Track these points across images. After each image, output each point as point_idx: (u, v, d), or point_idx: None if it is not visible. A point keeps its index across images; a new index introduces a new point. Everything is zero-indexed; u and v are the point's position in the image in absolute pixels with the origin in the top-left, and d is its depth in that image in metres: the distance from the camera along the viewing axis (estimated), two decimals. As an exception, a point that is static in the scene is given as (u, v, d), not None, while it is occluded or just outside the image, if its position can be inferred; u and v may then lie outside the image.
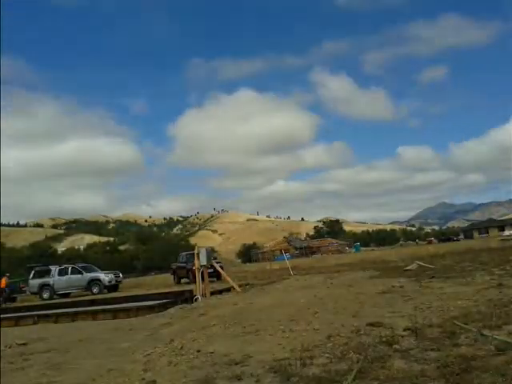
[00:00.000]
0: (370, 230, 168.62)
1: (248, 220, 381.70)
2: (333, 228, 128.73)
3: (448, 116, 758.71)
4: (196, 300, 11.96)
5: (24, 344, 7.82)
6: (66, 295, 23.42)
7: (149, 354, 5.55)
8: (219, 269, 14.21)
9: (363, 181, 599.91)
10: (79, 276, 23.10)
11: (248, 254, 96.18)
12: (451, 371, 3.52)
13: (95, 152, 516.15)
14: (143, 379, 4.44)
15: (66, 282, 23.21)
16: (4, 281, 25.00)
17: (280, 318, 6.96)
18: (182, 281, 23.29)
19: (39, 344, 7.79)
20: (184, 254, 24.93)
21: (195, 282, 12.90)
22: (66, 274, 23.55)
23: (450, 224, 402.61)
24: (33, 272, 25.16)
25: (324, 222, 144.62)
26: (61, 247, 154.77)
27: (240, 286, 14.01)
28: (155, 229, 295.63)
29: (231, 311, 8.61)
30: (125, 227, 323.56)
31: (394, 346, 4.46)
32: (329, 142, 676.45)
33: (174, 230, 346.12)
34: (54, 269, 24.26)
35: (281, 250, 70.67)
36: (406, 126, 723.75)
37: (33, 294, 24.61)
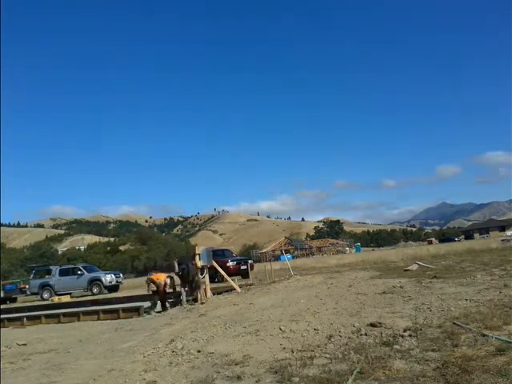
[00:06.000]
0: (371, 230, 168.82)
1: (248, 220, 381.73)
2: (333, 228, 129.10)
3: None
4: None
5: (24, 344, 7.84)
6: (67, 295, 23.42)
7: (149, 355, 5.56)
8: (220, 269, 14.17)
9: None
10: (80, 276, 23.10)
11: (248, 254, 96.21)
12: (451, 371, 3.52)
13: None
14: (144, 379, 4.45)
15: (66, 283, 23.22)
16: None
17: (280, 318, 6.96)
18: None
19: (39, 344, 7.81)
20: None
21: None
22: (67, 274, 23.56)
23: (450, 224, 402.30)
24: (33, 272, 25.22)
25: (324, 223, 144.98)
26: (61, 248, 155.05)
27: (240, 286, 14.00)
28: (155, 229, 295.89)
29: (231, 311, 8.61)
30: (125, 227, 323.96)
31: (395, 347, 4.46)
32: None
33: (175, 231, 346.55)
34: (55, 269, 24.29)
35: (281, 251, 70.76)
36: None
37: (33, 294, 24.62)
